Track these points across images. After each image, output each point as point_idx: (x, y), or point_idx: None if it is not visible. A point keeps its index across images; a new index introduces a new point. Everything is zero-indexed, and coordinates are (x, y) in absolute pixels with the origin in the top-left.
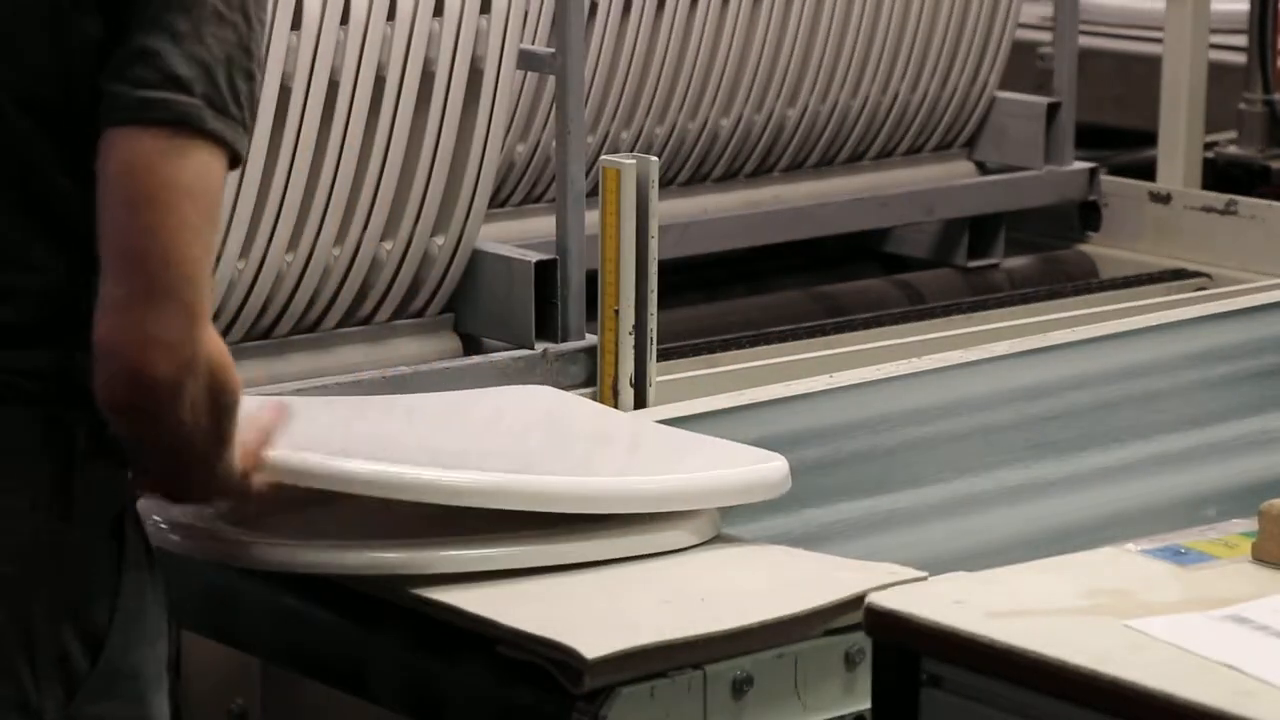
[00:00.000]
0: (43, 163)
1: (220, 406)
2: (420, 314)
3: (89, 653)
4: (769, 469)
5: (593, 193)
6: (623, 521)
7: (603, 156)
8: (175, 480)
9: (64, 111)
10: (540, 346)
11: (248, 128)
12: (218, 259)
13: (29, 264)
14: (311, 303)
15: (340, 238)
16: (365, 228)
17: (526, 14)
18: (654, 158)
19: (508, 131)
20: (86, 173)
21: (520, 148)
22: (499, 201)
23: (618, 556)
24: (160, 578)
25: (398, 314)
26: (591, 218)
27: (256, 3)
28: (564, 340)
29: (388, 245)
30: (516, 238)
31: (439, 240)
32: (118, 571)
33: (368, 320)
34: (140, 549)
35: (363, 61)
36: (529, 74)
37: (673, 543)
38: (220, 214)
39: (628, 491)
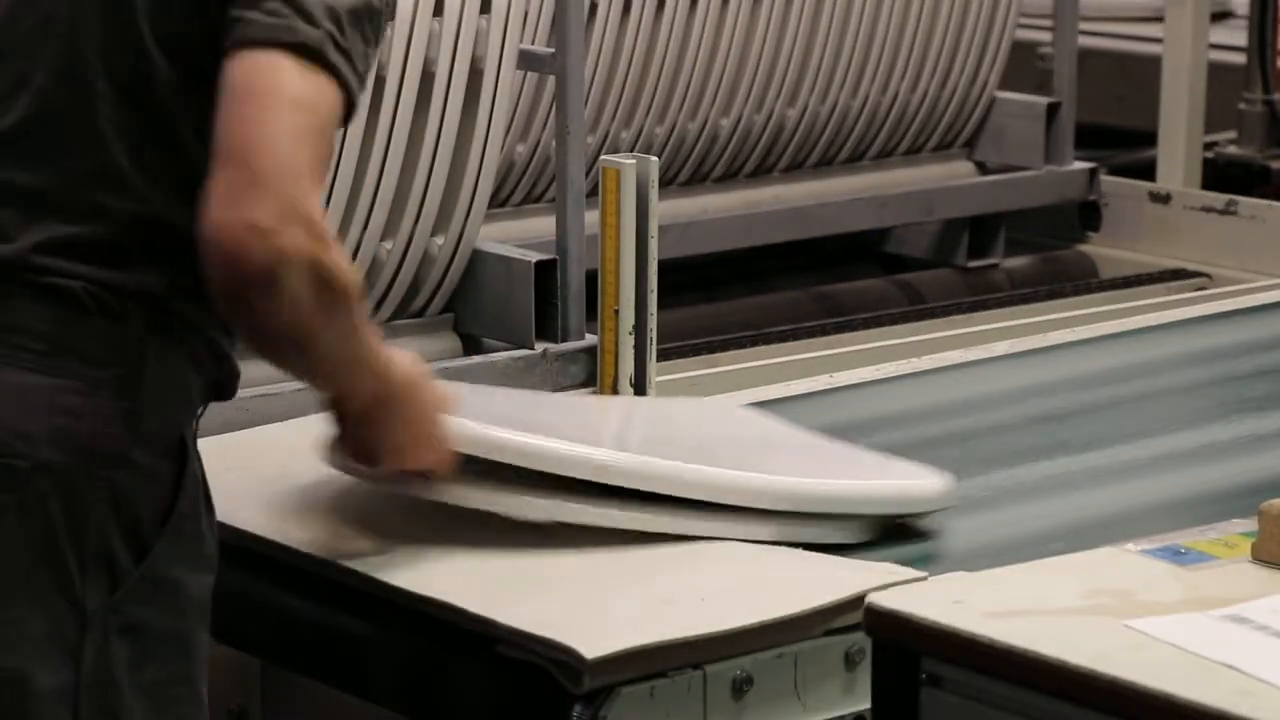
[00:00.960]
0: (167, 97)
1: (328, 300)
2: (420, 314)
3: (134, 556)
4: (931, 484)
5: (593, 193)
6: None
7: (603, 156)
8: (344, 398)
9: (192, 52)
10: (540, 346)
11: (362, 87)
12: None
13: (127, 188)
14: None
15: (340, 237)
16: (365, 227)
17: (526, 14)
18: (654, 158)
19: (508, 131)
20: (201, 111)
21: (520, 148)
22: (499, 201)
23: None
24: (214, 522)
25: (398, 314)
26: (591, 218)
27: None
28: (564, 340)
29: (388, 245)
30: (516, 238)
31: (439, 240)
32: (174, 493)
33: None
34: (198, 484)
35: None
36: (529, 74)
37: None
38: (333, 144)
39: (797, 491)
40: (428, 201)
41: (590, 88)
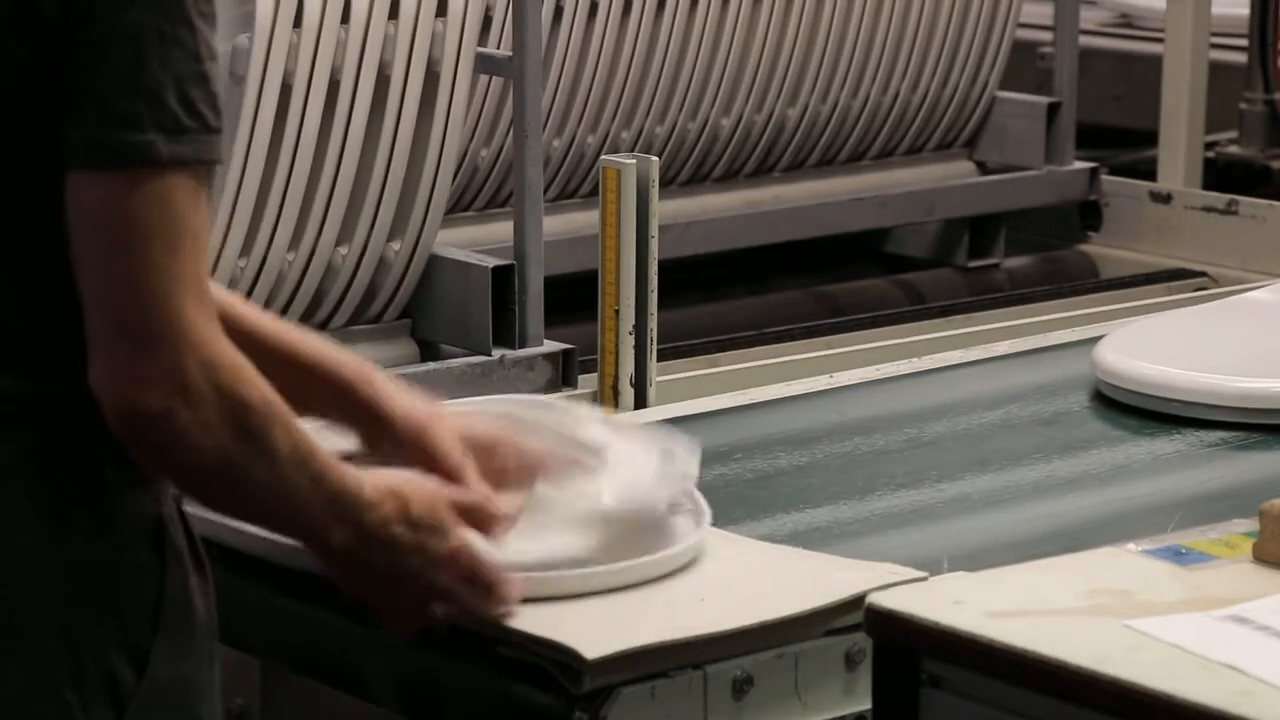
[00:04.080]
0: (6, 198)
1: (245, 426)
2: (377, 320)
3: (135, 668)
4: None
5: (593, 193)
6: None
7: (603, 156)
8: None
9: (17, 143)
10: (498, 353)
11: (214, 128)
12: None
13: (13, 291)
14: (266, 308)
15: (295, 243)
16: (320, 232)
17: (490, 18)
18: (654, 158)
19: (472, 135)
20: (39, 205)
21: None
22: (502, 203)
23: None
24: (209, 577)
25: (354, 320)
26: (591, 217)
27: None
28: (522, 346)
29: (343, 250)
30: (479, 242)
31: (395, 245)
32: (160, 583)
33: (323, 326)
34: (183, 556)
35: (317, 65)
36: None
37: None
38: (199, 226)
39: None
40: (383, 206)
41: (590, 88)
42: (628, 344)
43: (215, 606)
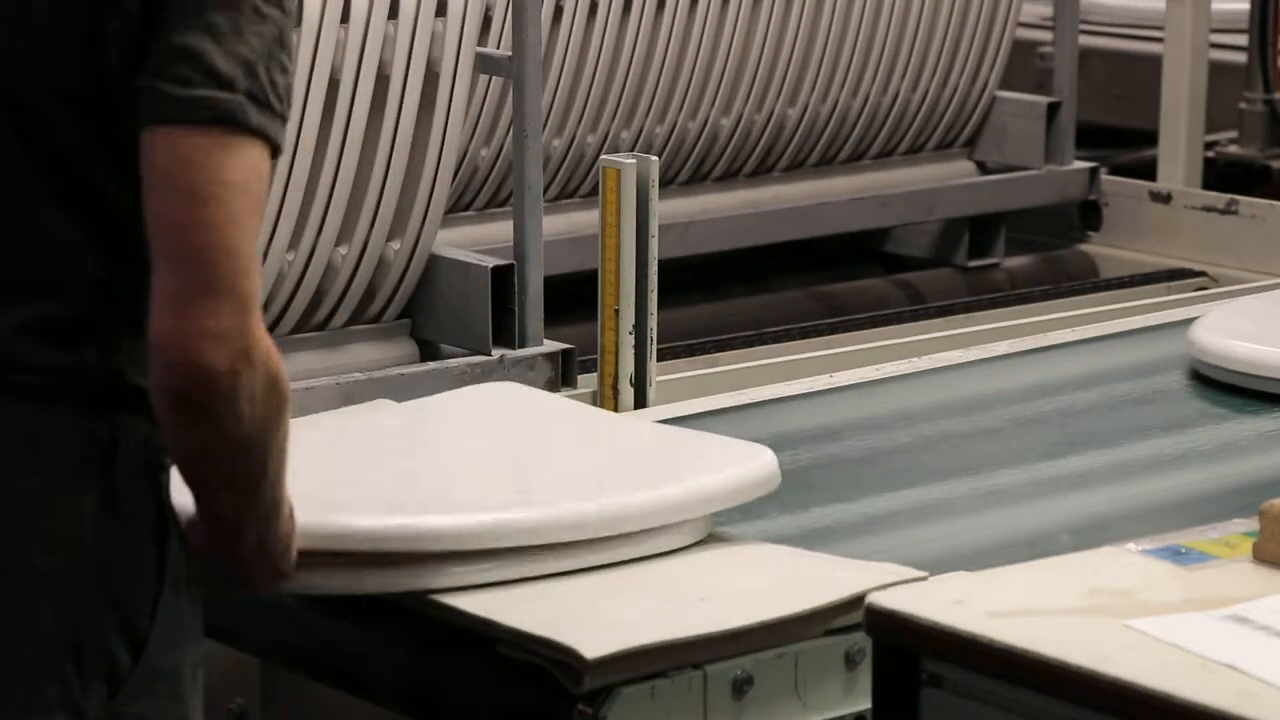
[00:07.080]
0: (80, 157)
1: (276, 402)
2: (376, 319)
3: (132, 652)
4: (757, 467)
5: (593, 193)
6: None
7: (603, 156)
8: (233, 530)
9: (98, 106)
10: (497, 353)
11: (285, 120)
12: None
13: (72, 260)
14: (266, 308)
15: (295, 242)
16: (320, 232)
17: (490, 18)
18: (654, 157)
19: (472, 135)
20: (127, 169)
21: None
22: (501, 203)
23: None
24: (196, 583)
25: (353, 319)
26: (591, 217)
27: None
28: (522, 346)
29: (343, 250)
30: (481, 242)
31: (395, 245)
32: (160, 574)
33: (323, 326)
34: (179, 556)
35: (316, 65)
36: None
37: (667, 546)
38: (265, 207)
39: (620, 513)
40: (383, 206)
41: (591, 87)
42: (628, 344)
43: (200, 605)
